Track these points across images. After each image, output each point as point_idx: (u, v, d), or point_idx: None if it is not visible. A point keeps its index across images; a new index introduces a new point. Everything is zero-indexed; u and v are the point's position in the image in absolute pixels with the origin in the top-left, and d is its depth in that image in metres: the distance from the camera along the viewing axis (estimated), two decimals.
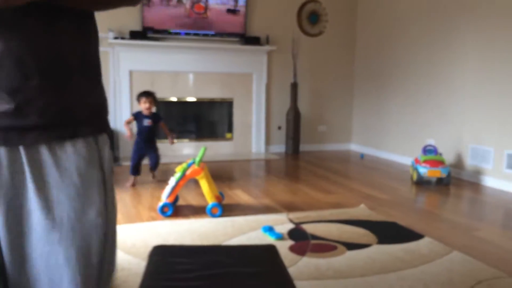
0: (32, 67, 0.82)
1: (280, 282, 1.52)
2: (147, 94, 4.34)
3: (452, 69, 5.00)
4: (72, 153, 0.87)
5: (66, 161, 0.86)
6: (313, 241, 2.89)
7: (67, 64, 0.87)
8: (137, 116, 4.35)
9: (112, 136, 5.45)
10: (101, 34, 5.44)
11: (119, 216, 3.35)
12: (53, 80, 0.85)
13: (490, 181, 4.54)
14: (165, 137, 4.72)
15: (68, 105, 0.87)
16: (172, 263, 1.56)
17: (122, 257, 2.58)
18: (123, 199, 3.84)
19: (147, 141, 4.36)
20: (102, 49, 5.51)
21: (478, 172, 4.68)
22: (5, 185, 0.83)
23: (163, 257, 1.61)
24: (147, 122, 4.33)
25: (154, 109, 4.49)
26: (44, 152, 0.85)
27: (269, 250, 1.77)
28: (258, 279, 1.50)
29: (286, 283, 1.52)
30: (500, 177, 4.45)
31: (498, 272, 2.46)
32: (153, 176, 4.56)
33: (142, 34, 5.54)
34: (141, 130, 4.35)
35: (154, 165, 4.47)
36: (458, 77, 4.93)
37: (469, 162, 4.79)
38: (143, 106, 4.31)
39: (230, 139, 6.24)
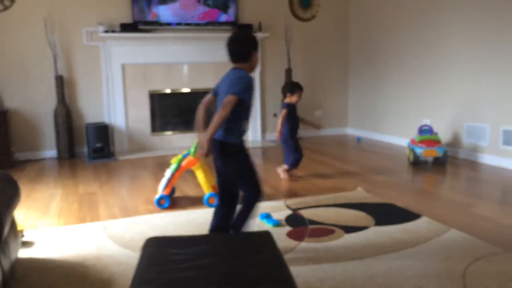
0: None
1: (275, 269, 1.52)
2: (301, 87, 4.07)
3: (446, 48, 4.97)
4: None
5: None
6: (311, 226, 2.89)
7: None
8: (291, 109, 4.05)
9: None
10: (90, 28, 5.41)
11: (116, 211, 3.35)
12: None
13: (487, 158, 4.53)
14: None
15: None
16: (166, 254, 1.55)
17: (120, 251, 2.58)
18: (120, 193, 3.84)
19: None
20: (92, 43, 5.48)
21: (474, 150, 4.67)
22: None
23: (157, 249, 1.61)
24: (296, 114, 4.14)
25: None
26: None
27: (264, 237, 1.77)
28: (252, 267, 1.49)
29: (281, 269, 1.52)
30: (496, 154, 4.45)
31: (496, 248, 2.47)
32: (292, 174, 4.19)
33: (133, 26, 5.49)
34: (296, 122, 4.11)
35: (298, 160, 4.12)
36: (451, 56, 4.90)
37: (465, 140, 4.78)
38: (296, 99, 4.04)
39: None
